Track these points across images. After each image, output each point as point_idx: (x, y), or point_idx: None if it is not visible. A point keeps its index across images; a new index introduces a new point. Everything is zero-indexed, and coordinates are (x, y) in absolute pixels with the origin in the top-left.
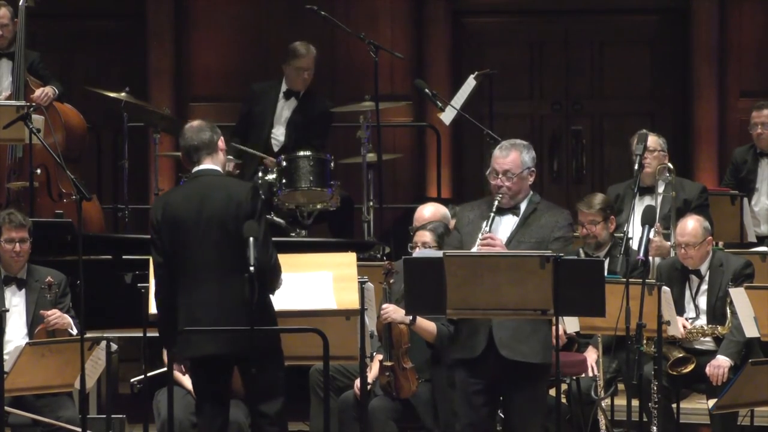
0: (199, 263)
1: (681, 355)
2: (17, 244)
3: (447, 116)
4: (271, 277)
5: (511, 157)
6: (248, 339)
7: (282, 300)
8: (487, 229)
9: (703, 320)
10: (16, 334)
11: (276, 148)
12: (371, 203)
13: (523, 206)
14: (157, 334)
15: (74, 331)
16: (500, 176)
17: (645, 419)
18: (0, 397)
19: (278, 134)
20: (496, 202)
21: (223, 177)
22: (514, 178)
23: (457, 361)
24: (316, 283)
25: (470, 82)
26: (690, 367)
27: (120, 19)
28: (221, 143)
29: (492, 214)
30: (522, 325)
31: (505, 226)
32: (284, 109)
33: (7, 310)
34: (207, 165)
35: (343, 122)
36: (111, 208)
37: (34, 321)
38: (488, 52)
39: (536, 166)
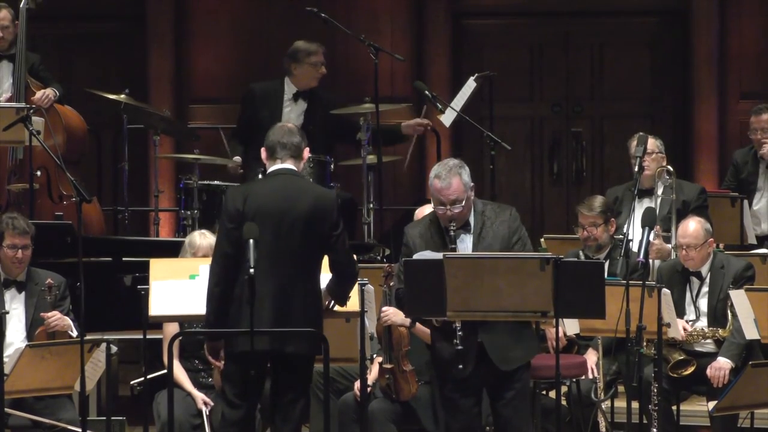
0: (274, 259)
1: (681, 357)
2: (19, 251)
3: (447, 118)
4: (350, 285)
5: (454, 184)
6: (296, 342)
7: None
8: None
9: (703, 322)
10: (16, 336)
11: None
12: (371, 205)
13: (472, 220)
14: (159, 336)
15: (74, 333)
16: (448, 207)
17: (645, 421)
18: (0, 399)
19: None
20: (452, 233)
21: (307, 180)
22: (462, 204)
23: (443, 377)
24: None
25: (470, 84)
26: (690, 370)
27: (120, 21)
28: (306, 152)
29: (454, 246)
30: (510, 335)
31: (462, 245)
32: (291, 113)
33: (7, 312)
34: (289, 165)
35: None
36: (111, 210)
37: (33, 323)
38: (488, 53)
39: (536, 169)
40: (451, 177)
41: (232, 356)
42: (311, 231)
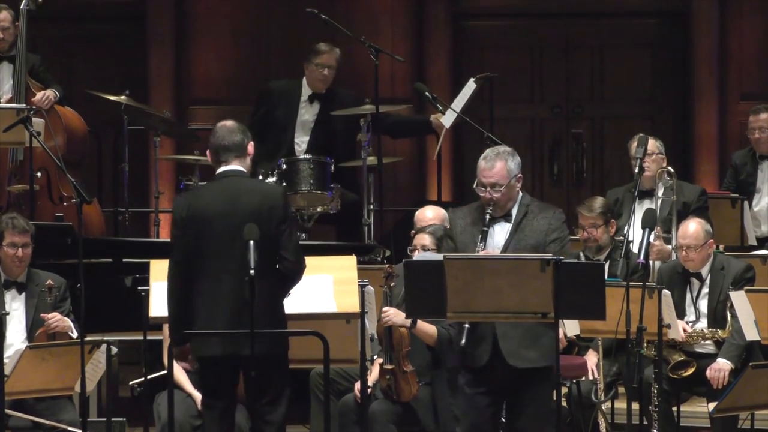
0: (225, 263)
1: (681, 358)
2: (19, 249)
3: (447, 119)
4: (291, 284)
5: (497, 168)
6: (258, 342)
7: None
8: (482, 245)
9: (703, 323)
10: (17, 337)
11: (299, 155)
12: (372, 206)
13: (514, 211)
14: (159, 337)
15: (74, 334)
16: (488, 189)
17: (645, 422)
18: (0, 401)
19: (301, 141)
20: (487, 216)
21: (252, 179)
22: (502, 189)
23: (460, 367)
24: (316, 286)
25: (470, 85)
26: (690, 371)
27: (120, 22)
28: (250, 147)
29: (485, 229)
30: (527, 333)
31: (499, 233)
32: (306, 114)
33: (7, 314)
34: (235, 166)
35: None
36: (111, 212)
37: (34, 324)
38: (488, 55)
39: (537, 170)
40: (496, 160)
41: (197, 361)
42: (261, 229)
